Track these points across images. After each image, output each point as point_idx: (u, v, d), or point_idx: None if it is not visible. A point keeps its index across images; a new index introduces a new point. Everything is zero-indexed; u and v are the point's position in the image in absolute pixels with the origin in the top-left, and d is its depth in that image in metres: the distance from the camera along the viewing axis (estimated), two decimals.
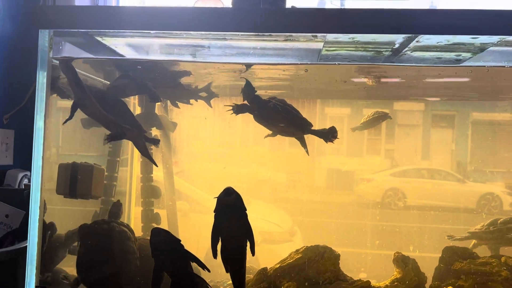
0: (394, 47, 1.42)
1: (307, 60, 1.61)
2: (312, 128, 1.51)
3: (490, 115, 3.64)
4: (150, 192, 1.78)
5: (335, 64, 1.51)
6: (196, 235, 1.78)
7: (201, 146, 2.17)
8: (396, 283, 1.44)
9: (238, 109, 1.47)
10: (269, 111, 1.43)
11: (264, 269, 1.43)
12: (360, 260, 2.07)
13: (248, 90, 1.45)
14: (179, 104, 1.77)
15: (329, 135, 1.46)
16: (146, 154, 1.41)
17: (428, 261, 1.66)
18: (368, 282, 1.40)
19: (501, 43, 1.38)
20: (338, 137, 1.47)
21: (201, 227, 2.06)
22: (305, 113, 3.24)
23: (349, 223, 3.34)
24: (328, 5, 2.58)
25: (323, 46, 1.43)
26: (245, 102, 1.46)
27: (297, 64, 1.58)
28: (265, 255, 1.78)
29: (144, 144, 1.39)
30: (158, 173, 1.92)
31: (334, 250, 1.47)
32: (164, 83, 1.76)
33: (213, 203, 1.31)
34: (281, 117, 1.45)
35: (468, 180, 3.82)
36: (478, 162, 4.02)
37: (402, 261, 1.48)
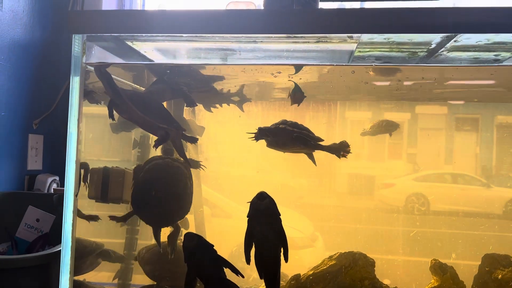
0: (430, 48, 1.38)
1: (337, 61, 1.58)
2: (323, 143, 1.49)
3: None
4: None
5: (371, 65, 1.48)
6: (218, 239, 1.77)
7: (224, 151, 2.16)
8: None
9: (258, 137, 1.45)
10: (284, 139, 1.41)
11: (297, 275, 1.40)
12: (383, 266, 2.01)
13: (297, 93, 1.44)
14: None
15: (340, 150, 1.43)
16: (182, 154, 1.40)
17: (461, 268, 1.60)
18: None
19: None
20: (351, 151, 1.43)
21: (223, 232, 2.04)
22: (329, 116, 3.22)
23: (371, 229, 3.28)
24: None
25: (357, 47, 1.40)
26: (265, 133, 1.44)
27: (344, 65, 1.55)
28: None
29: (181, 143, 1.38)
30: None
31: (369, 256, 1.43)
32: (198, 88, 1.76)
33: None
34: (296, 143, 1.43)
35: (494, 184, 3.73)
36: (504, 166, 3.91)
37: (439, 269, 1.43)
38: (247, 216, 1.26)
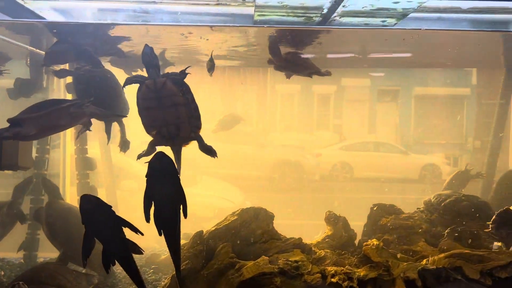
0: (323, 13, 1.45)
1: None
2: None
3: (430, 89, 3.86)
4: (85, 164, 1.73)
5: (264, 26, 1.52)
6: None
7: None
8: (327, 239, 1.52)
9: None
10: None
11: (200, 232, 1.45)
12: (309, 231, 2.11)
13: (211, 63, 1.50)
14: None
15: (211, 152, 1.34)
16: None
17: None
18: (300, 239, 1.46)
19: (422, 9, 1.46)
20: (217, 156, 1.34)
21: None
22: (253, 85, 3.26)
23: (298, 197, 3.46)
24: None
25: (255, 11, 1.44)
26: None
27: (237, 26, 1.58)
28: None
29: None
30: (95, 151, 1.88)
31: (269, 211, 1.51)
32: (104, 49, 1.71)
33: None
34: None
35: (411, 152, 4.06)
36: (420, 134, 4.25)
37: (333, 219, 1.56)
38: (146, 176, 1.27)
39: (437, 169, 3.91)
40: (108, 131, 1.58)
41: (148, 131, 1.25)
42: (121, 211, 1.91)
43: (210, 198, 3.01)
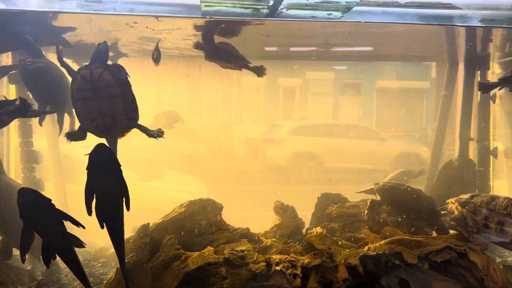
0: (269, 4, 1.46)
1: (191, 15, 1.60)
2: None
3: (392, 82, 3.98)
4: (30, 157, 1.68)
5: (206, 18, 1.52)
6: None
7: None
8: (275, 228, 1.54)
9: None
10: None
11: (146, 225, 1.44)
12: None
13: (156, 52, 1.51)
14: None
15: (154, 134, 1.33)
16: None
17: None
18: (248, 229, 1.47)
19: (365, 3, 1.50)
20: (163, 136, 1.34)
21: None
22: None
23: (262, 189, 3.49)
24: None
25: (201, 2, 1.43)
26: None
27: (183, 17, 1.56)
28: None
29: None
30: (42, 143, 1.83)
31: (218, 202, 1.52)
32: (48, 38, 1.65)
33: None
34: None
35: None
36: (382, 126, 4.37)
37: (281, 209, 1.58)
38: (86, 169, 1.25)
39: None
40: (60, 121, 1.54)
41: (83, 122, 1.22)
42: (71, 205, 1.87)
43: (172, 192, 3.00)
